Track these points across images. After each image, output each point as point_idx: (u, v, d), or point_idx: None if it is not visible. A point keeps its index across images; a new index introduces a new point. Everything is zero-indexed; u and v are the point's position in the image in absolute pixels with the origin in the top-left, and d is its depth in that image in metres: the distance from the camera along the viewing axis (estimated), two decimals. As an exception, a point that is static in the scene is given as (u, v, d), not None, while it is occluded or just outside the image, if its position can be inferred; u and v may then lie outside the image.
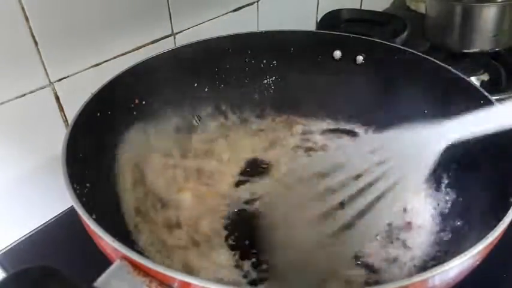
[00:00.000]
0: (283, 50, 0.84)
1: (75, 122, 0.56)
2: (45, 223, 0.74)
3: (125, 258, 0.39)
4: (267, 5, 1.03)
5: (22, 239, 0.71)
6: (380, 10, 1.36)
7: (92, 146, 0.59)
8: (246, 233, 0.63)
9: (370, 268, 0.58)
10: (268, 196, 0.69)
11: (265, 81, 0.86)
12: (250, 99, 0.86)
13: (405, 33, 1.05)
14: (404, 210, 0.67)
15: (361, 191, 0.52)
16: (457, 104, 0.66)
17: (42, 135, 0.69)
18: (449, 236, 0.60)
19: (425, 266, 0.58)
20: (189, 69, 0.78)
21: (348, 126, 0.83)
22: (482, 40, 0.99)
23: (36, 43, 0.64)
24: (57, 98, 0.70)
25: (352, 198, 0.52)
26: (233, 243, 0.62)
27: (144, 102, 0.72)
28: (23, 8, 0.61)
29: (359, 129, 0.83)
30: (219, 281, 0.55)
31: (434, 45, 1.09)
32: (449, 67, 0.69)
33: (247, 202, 0.69)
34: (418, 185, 0.62)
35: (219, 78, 0.83)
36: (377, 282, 0.57)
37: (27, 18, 0.62)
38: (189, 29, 0.87)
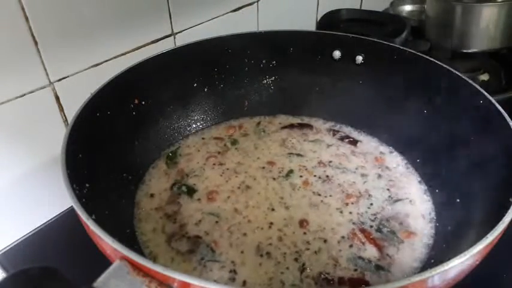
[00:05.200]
0: (283, 50, 0.84)
1: (75, 122, 0.56)
2: (45, 223, 0.74)
3: (125, 258, 0.39)
4: (267, 5, 1.03)
5: (22, 239, 0.71)
6: (380, 10, 1.36)
7: (92, 147, 0.59)
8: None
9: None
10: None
11: (265, 81, 0.86)
12: (249, 99, 0.86)
13: (405, 33, 1.05)
14: (405, 211, 0.67)
15: None
16: (457, 103, 0.66)
17: (42, 135, 0.69)
18: (449, 236, 0.60)
19: (425, 265, 0.59)
20: (188, 69, 0.79)
21: (347, 127, 0.84)
22: (482, 40, 0.99)
23: (36, 43, 0.64)
24: (57, 98, 0.70)
25: None
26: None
27: (143, 103, 0.72)
28: (23, 8, 0.61)
29: (357, 130, 0.83)
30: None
31: (434, 45, 1.09)
32: (449, 67, 0.69)
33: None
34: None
35: (218, 78, 0.83)
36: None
37: (27, 18, 0.62)
38: (189, 29, 0.87)
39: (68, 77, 0.70)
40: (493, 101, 0.61)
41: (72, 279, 0.35)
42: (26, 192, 0.71)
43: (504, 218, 0.44)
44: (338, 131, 0.83)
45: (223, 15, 0.94)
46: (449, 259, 0.40)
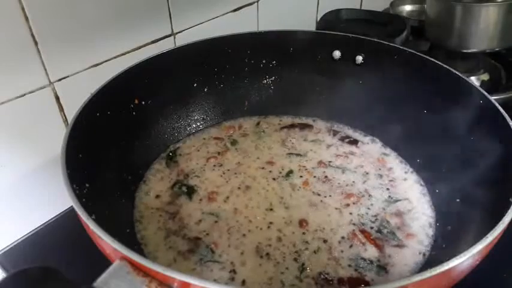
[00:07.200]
0: (283, 50, 0.84)
1: (75, 122, 0.57)
2: (45, 223, 0.74)
3: (125, 258, 0.39)
4: (267, 5, 1.03)
5: (22, 239, 0.71)
6: (380, 10, 1.36)
7: (92, 147, 0.59)
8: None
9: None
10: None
11: (265, 81, 0.86)
12: (249, 99, 0.86)
13: (405, 33, 1.05)
14: (405, 211, 0.67)
15: None
16: (457, 103, 0.66)
17: (42, 135, 0.69)
18: (449, 236, 0.60)
19: (425, 265, 0.58)
20: (188, 69, 0.79)
21: (347, 127, 0.84)
22: (482, 40, 0.98)
23: (36, 43, 0.64)
24: (57, 98, 0.70)
25: None
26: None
27: (143, 103, 0.72)
28: (23, 8, 0.61)
29: (357, 130, 0.83)
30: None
31: (434, 45, 1.09)
32: (449, 67, 0.69)
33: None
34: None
35: (218, 78, 0.83)
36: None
37: (27, 18, 0.62)
38: (189, 29, 0.87)
39: (68, 77, 0.70)
40: (493, 101, 0.61)
41: (72, 279, 0.35)
42: (26, 192, 0.71)
43: (504, 218, 0.44)
44: (338, 131, 0.83)
45: (223, 15, 0.94)
46: (449, 259, 0.40)
